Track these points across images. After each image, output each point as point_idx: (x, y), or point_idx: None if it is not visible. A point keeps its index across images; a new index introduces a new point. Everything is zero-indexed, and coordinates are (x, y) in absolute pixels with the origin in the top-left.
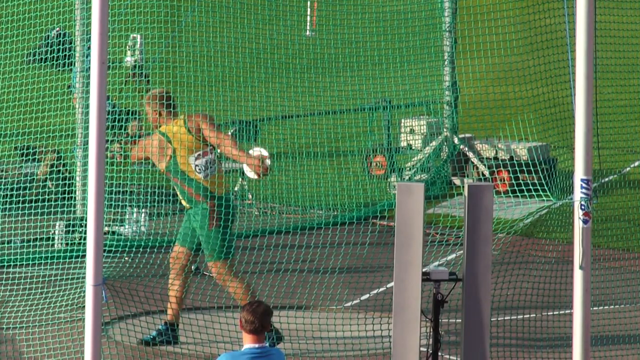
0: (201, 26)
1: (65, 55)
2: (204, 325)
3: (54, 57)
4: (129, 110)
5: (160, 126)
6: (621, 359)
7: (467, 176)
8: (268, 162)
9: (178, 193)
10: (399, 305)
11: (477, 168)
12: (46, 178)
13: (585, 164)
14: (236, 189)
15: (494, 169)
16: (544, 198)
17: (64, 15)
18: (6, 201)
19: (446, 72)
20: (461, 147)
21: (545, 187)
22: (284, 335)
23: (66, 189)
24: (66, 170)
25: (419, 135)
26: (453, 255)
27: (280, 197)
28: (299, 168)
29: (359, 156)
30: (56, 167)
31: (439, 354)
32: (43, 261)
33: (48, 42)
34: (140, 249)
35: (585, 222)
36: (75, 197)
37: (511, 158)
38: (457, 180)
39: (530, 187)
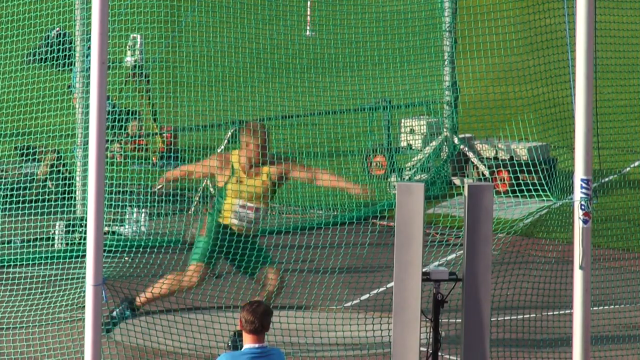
0: (201, 26)
1: (65, 55)
2: (204, 325)
3: (54, 57)
4: (129, 110)
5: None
6: (621, 359)
7: (467, 176)
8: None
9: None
10: (399, 305)
11: (477, 168)
12: (46, 178)
13: (585, 164)
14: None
15: (494, 169)
16: (544, 198)
17: (64, 15)
18: (6, 201)
19: (446, 72)
20: (461, 147)
21: (545, 187)
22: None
23: (66, 189)
24: (66, 170)
25: (419, 135)
26: (453, 255)
27: (280, 197)
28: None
29: (359, 156)
30: (56, 167)
31: (439, 354)
32: (43, 261)
33: (48, 42)
34: (140, 249)
35: (585, 222)
36: (75, 197)
37: (511, 158)
38: (457, 180)
39: (530, 187)
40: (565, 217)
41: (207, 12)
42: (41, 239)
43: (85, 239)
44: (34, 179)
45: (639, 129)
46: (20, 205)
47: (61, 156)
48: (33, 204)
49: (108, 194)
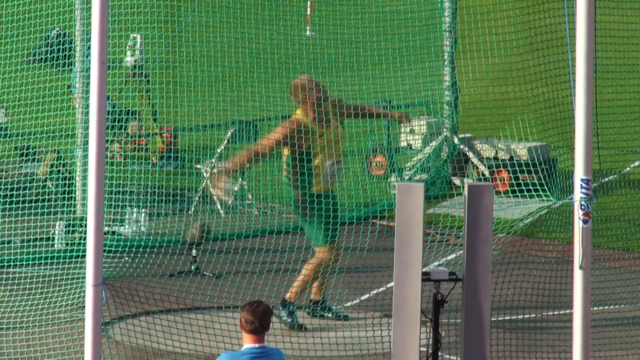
0: (201, 26)
1: (65, 55)
2: (204, 325)
3: (54, 57)
4: (129, 110)
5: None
6: (621, 359)
7: (467, 176)
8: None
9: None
10: (399, 305)
11: (477, 168)
12: (46, 178)
13: (585, 164)
14: (236, 189)
15: (494, 169)
16: (544, 198)
17: (64, 15)
18: (6, 201)
19: (446, 72)
20: (461, 147)
21: (545, 187)
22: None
23: (66, 189)
24: (66, 170)
25: (419, 135)
26: (453, 255)
27: (280, 197)
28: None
29: (359, 156)
30: (56, 167)
31: (439, 354)
32: (43, 261)
33: (48, 42)
34: (140, 249)
35: (585, 222)
36: (75, 197)
37: (511, 158)
38: (457, 180)
39: (530, 187)
40: (565, 217)
41: (207, 12)
42: (41, 239)
43: (85, 239)
44: (34, 179)
45: (639, 129)
46: (20, 205)
47: (61, 156)
48: (33, 204)
49: (108, 194)
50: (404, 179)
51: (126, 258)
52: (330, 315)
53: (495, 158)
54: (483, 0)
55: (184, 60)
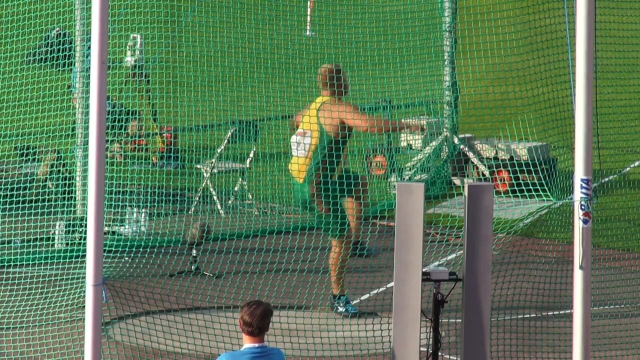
0: (201, 26)
1: (65, 55)
2: (204, 325)
3: (54, 57)
4: (129, 110)
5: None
6: (621, 359)
7: (467, 176)
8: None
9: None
10: (399, 305)
11: (477, 168)
12: (46, 178)
13: (585, 164)
14: (236, 189)
15: (494, 169)
16: (544, 198)
17: (64, 15)
18: (6, 201)
19: (446, 72)
20: (461, 147)
21: (545, 187)
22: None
23: (66, 189)
24: (66, 170)
25: (419, 135)
26: (453, 255)
27: (280, 197)
28: None
29: (359, 156)
30: (56, 167)
31: (439, 354)
32: (43, 261)
33: (48, 42)
34: (140, 249)
35: (585, 222)
36: (75, 197)
37: (511, 158)
38: (457, 180)
39: (530, 187)
40: (565, 217)
41: (207, 12)
42: (41, 239)
43: (85, 239)
44: (34, 179)
45: (639, 129)
46: (20, 205)
47: (61, 156)
48: (33, 204)
49: (108, 194)
50: (404, 179)
51: (126, 258)
52: (343, 311)
53: (495, 158)
54: (483, 0)
55: (184, 60)
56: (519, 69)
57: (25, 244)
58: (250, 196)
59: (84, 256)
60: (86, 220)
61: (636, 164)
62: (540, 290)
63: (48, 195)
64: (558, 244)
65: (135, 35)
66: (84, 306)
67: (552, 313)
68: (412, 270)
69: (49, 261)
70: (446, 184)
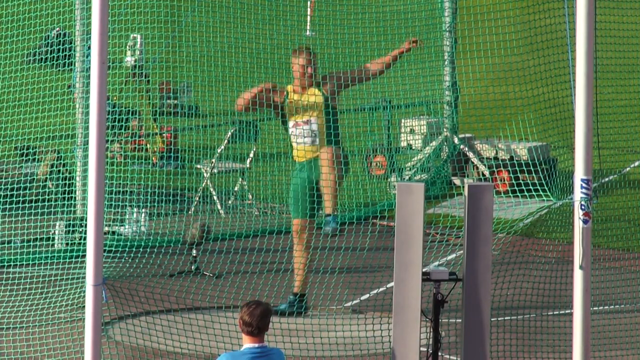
0: (201, 26)
1: (65, 55)
2: (204, 325)
3: (54, 57)
4: (129, 110)
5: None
6: (621, 359)
7: (467, 176)
8: None
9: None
10: (399, 305)
11: (477, 168)
12: (46, 178)
13: (585, 164)
14: (236, 189)
15: (494, 169)
16: (544, 198)
17: (64, 15)
18: (6, 201)
19: (446, 72)
20: (461, 147)
21: (545, 187)
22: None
23: (66, 189)
24: (66, 170)
25: (419, 135)
26: (453, 255)
27: (280, 197)
28: None
29: (359, 156)
30: (56, 167)
31: (439, 354)
32: (43, 261)
33: (48, 42)
34: (140, 249)
35: (585, 222)
36: (75, 197)
37: (511, 158)
38: (457, 180)
39: (530, 187)
40: (565, 217)
41: (207, 12)
42: (41, 239)
43: (85, 239)
44: (34, 179)
45: (639, 129)
46: (20, 205)
47: (61, 156)
48: (33, 204)
49: (108, 194)
50: (404, 179)
51: (126, 258)
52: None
53: (496, 158)
54: (483, 0)
55: (184, 60)
56: (519, 69)
57: (25, 244)
58: (250, 196)
59: (84, 256)
60: (86, 220)
61: (636, 164)
62: (540, 290)
63: (48, 195)
64: (558, 244)
65: (135, 35)
66: (84, 306)
67: (552, 313)
68: (412, 270)
69: (49, 261)
70: (446, 184)
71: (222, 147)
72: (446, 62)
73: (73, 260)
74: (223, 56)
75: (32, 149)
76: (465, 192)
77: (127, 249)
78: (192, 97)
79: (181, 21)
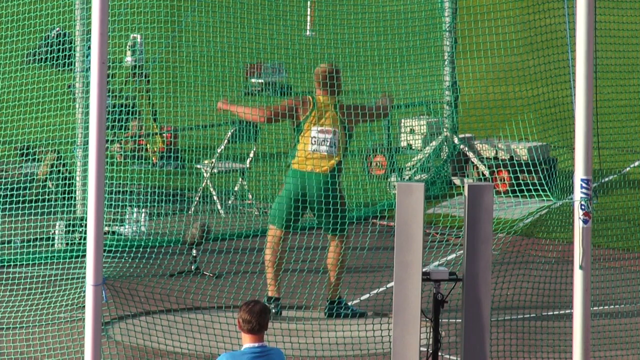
0: (201, 26)
1: (65, 55)
2: (204, 325)
3: (54, 57)
4: (129, 110)
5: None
6: (621, 359)
7: (467, 176)
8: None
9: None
10: (399, 305)
11: (477, 168)
12: (46, 178)
13: (585, 164)
14: (236, 188)
15: (494, 169)
16: (544, 198)
17: (64, 15)
18: (6, 201)
19: (446, 72)
20: (461, 147)
21: (545, 187)
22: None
23: (66, 189)
24: (66, 170)
25: (419, 135)
26: (453, 255)
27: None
28: None
29: (359, 156)
30: (56, 167)
31: (439, 354)
32: (43, 261)
33: (48, 42)
34: (140, 249)
35: (585, 222)
36: (75, 197)
37: (511, 158)
38: (457, 180)
39: (530, 187)
40: (565, 217)
41: (207, 12)
42: (41, 239)
43: (85, 239)
44: (34, 179)
45: (639, 129)
46: (20, 205)
47: (61, 156)
48: (33, 204)
49: (108, 194)
50: (404, 179)
51: (126, 258)
52: (350, 312)
53: (495, 158)
54: (483, 0)
55: (184, 60)
56: (519, 69)
57: (25, 244)
58: (250, 196)
59: (84, 256)
60: (86, 220)
61: (636, 164)
62: (540, 290)
63: (48, 195)
64: (558, 244)
65: (135, 35)
66: (84, 306)
67: (552, 313)
68: (412, 270)
69: (49, 261)
70: (446, 184)
71: (222, 147)
72: (446, 62)
73: (73, 260)
74: (223, 56)
75: (32, 149)
76: (465, 192)
77: (127, 249)
78: (284, 76)
79: (181, 21)
